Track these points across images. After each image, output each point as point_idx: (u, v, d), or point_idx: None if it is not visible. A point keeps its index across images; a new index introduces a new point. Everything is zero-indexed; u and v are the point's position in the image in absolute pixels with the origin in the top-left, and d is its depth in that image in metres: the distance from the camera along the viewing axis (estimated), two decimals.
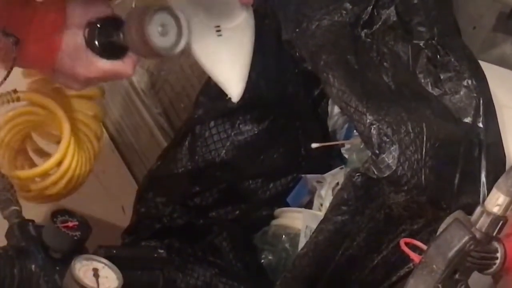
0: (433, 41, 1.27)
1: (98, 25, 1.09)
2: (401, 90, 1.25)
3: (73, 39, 1.08)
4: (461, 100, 1.24)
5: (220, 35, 1.17)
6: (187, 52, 1.20)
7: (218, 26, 1.17)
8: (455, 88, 1.25)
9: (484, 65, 1.31)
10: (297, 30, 1.29)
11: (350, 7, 1.29)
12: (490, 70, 1.31)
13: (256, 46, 1.22)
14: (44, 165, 1.39)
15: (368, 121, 1.18)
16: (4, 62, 0.67)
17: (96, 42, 1.09)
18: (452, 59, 1.26)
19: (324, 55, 1.25)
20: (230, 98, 1.19)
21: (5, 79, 0.68)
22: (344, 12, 1.29)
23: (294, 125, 1.48)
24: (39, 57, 1.06)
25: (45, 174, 1.39)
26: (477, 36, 1.55)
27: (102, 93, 1.46)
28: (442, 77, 1.26)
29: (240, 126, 1.44)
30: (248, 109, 1.43)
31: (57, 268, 1.14)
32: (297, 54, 1.32)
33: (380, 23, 1.30)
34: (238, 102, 1.18)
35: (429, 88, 1.26)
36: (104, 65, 1.10)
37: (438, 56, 1.27)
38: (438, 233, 0.99)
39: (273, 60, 1.42)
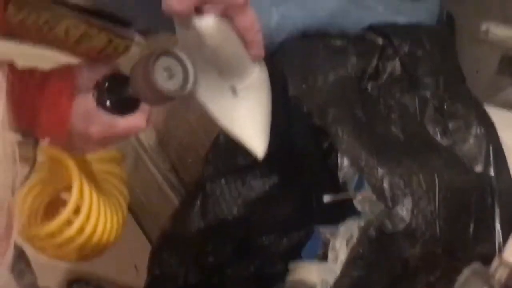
0: (439, 91, 1.28)
1: (106, 84, 1.11)
2: (410, 141, 1.26)
3: (84, 101, 1.09)
4: (470, 149, 1.24)
5: (236, 95, 1.18)
6: (194, 100, 1.21)
7: (233, 86, 1.18)
8: (464, 137, 1.25)
9: (489, 109, 1.32)
10: (304, 86, 1.30)
11: (355, 61, 1.31)
12: (496, 114, 1.32)
13: None
14: (60, 217, 1.38)
15: (379, 174, 1.18)
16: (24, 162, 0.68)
17: (107, 101, 1.10)
18: (459, 108, 1.27)
19: (332, 110, 1.25)
20: (242, 156, 1.20)
21: (27, 178, 0.69)
22: (350, 66, 1.30)
23: (304, 178, 1.48)
24: (52, 125, 1.08)
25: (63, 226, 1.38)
26: (481, 80, 1.56)
27: (123, 157, 1.47)
28: (450, 127, 1.26)
29: (251, 182, 1.44)
30: (258, 165, 1.43)
31: None
32: (305, 109, 1.33)
33: (385, 76, 1.31)
34: (248, 158, 1.19)
35: (438, 138, 1.26)
36: (118, 122, 1.11)
37: (445, 106, 1.28)
38: (456, 286, 0.99)
39: (282, 114, 1.42)
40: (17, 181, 0.66)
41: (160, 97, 1.08)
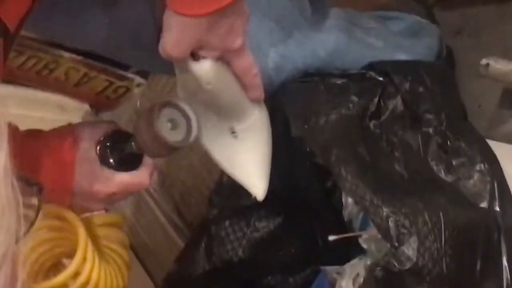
0: (442, 128, 1.28)
1: (108, 142, 1.12)
2: (414, 179, 1.25)
3: (86, 160, 1.10)
4: (475, 185, 1.24)
5: (236, 137, 1.18)
6: (197, 144, 1.21)
7: (232, 128, 1.18)
8: (468, 173, 1.25)
9: (492, 143, 1.32)
10: (306, 126, 1.30)
11: (357, 99, 1.31)
12: (499, 148, 1.32)
13: None
14: (58, 277, 1.38)
15: (384, 213, 1.18)
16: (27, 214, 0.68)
17: (110, 158, 1.11)
18: (462, 144, 1.27)
19: (335, 149, 1.25)
20: (250, 196, 1.20)
21: (31, 226, 0.68)
22: (351, 105, 1.30)
23: (309, 217, 1.47)
24: (56, 186, 1.08)
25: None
26: (483, 114, 1.56)
27: (124, 220, 1.48)
28: (454, 163, 1.26)
29: (256, 223, 1.44)
30: (262, 205, 1.42)
31: None
32: (308, 149, 1.33)
33: (387, 113, 1.31)
34: (252, 199, 1.19)
35: (442, 175, 1.26)
36: (122, 178, 1.12)
37: (448, 142, 1.27)
38: None
39: (284, 154, 1.42)
40: (21, 229, 0.66)
41: (165, 149, 1.08)
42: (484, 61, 1.43)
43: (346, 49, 1.42)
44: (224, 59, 1.07)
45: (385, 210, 1.18)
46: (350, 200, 1.47)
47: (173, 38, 1.02)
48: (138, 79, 1.95)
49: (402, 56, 1.47)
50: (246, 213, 1.46)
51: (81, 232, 1.36)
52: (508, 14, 1.59)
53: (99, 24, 1.26)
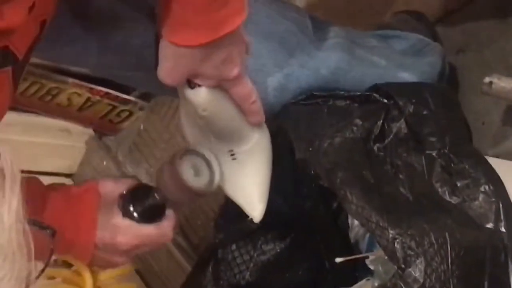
0: (445, 150, 1.28)
1: (131, 195, 1.14)
2: (419, 201, 1.25)
3: (109, 214, 1.12)
4: (480, 207, 1.24)
5: (235, 159, 1.19)
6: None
7: (232, 150, 1.19)
8: (473, 195, 1.25)
9: (496, 161, 1.32)
10: (310, 149, 1.30)
11: (360, 122, 1.31)
12: (503, 165, 1.32)
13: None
14: None
15: (390, 235, 1.18)
16: (40, 255, 0.68)
17: (133, 211, 1.13)
18: (466, 166, 1.26)
19: (339, 172, 1.25)
20: (251, 219, 1.21)
21: (42, 271, 0.69)
22: (355, 128, 1.31)
23: (315, 239, 1.48)
24: (79, 239, 1.10)
25: None
26: (487, 131, 1.57)
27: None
28: (458, 185, 1.26)
29: (262, 246, 1.44)
30: (268, 228, 1.43)
31: None
32: (312, 172, 1.33)
33: (391, 136, 1.31)
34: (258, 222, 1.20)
35: (447, 197, 1.26)
36: (145, 230, 1.13)
37: (452, 164, 1.27)
38: None
39: (289, 176, 1.42)
40: (32, 275, 0.66)
41: (190, 196, 1.10)
42: (487, 79, 1.43)
43: (348, 67, 1.43)
44: (221, 86, 1.08)
45: (391, 232, 1.18)
46: (356, 222, 1.48)
47: (168, 66, 1.03)
48: (140, 103, 1.95)
49: (405, 75, 1.47)
50: (252, 236, 1.46)
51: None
52: (511, 32, 1.59)
53: (103, 47, 1.27)
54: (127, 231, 1.11)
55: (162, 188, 1.11)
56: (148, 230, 1.13)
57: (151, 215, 1.14)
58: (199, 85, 1.06)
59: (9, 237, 0.63)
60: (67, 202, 1.11)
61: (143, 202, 1.13)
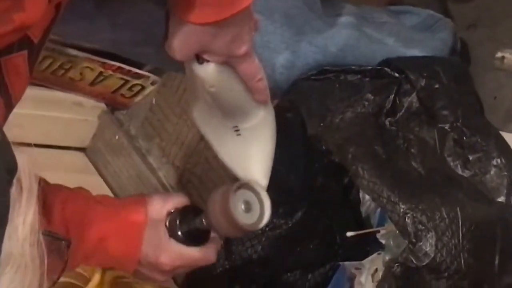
0: (458, 123, 1.28)
1: (178, 215, 1.15)
2: (431, 175, 1.26)
3: (156, 232, 1.12)
4: (492, 180, 1.24)
5: (239, 135, 1.19)
6: (210, 143, 1.23)
7: (236, 126, 1.19)
8: (484, 169, 1.25)
9: (508, 136, 1.32)
10: (322, 124, 1.31)
11: (372, 97, 1.31)
12: None
13: (282, 140, 1.24)
14: None
15: (401, 210, 1.18)
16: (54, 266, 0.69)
17: (179, 232, 1.14)
18: (479, 140, 1.27)
19: (351, 147, 1.26)
20: None
21: (54, 283, 0.69)
22: (366, 103, 1.31)
23: (326, 214, 1.48)
24: (123, 253, 1.12)
25: None
26: (499, 106, 1.56)
27: None
28: (470, 159, 1.26)
29: (274, 220, 1.44)
30: (280, 203, 1.43)
31: None
32: (324, 147, 1.34)
33: (403, 111, 1.31)
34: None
35: (459, 171, 1.26)
36: (189, 252, 1.14)
37: (465, 138, 1.27)
38: None
39: (301, 152, 1.42)
40: (43, 287, 0.67)
41: (236, 230, 1.12)
42: (499, 54, 1.43)
43: (357, 44, 1.42)
44: (228, 63, 1.08)
45: (402, 207, 1.18)
46: (367, 197, 1.48)
47: (178, 42, 1.03)
48: (152, 77, 1.95)
49: (415, 51, 1.46)
50: None
51: None
52: None
53: (113, 23, 1.27)
54: (171, 251, 1.12)
55: (210, 216, 1.12)
56: (192, 252, 1.14)
57: (196, 237, 1.15)
58: (208, 61, 1.07)
59: (22, 249, 0.63)
60: (116, 216, 1.12)
61: (190, 224, 1.14)
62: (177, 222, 1.14)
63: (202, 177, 1.85)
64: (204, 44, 1.03)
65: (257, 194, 1.14)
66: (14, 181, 0.64)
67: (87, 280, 1.37)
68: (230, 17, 0.99)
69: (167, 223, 1.14)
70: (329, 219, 1.48)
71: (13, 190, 0.63)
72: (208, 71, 1.08)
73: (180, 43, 1.03)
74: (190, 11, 0.99)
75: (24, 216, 0.63)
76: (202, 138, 1.60)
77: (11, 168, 0.64)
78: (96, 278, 1.35)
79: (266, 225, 1.38)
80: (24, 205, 0.64)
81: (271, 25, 1.34)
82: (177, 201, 1.16)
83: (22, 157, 0.65)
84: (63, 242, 0.71)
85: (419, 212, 1.18)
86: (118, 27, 1.28)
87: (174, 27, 1.03)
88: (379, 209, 1.47)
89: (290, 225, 1.46)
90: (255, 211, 1.13)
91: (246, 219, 1.11)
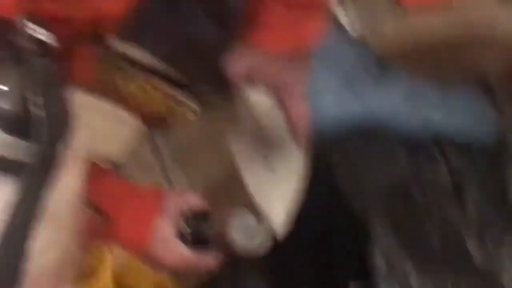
0: (484, 209, 1.28)
1: (190, 218, 1.15)
2: (447, 252, 1.26)
3: (166, 227, 1.12)
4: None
5: (273, 171, 1.20)
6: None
7: (271, 164, 1.20)
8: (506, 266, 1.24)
9: None
10: (351, 181, 1.31)
11: (405, 164, 1.31)
12: None
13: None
14: None
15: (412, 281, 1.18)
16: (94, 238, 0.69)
17: (188, 234, 1.14)
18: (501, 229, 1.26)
19: (375, 209, 1.26)
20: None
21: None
22: (399, 169, 1.31)
23: (336, 265, 1.47)
24: (132, 238, 1.11)
25: None
26: None
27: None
28: (489, 247, 1.25)
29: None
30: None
31: None
32: (349, 204, 1.34)
33: (433, 184, 1.31)
34: None
35: (477, 257, 1.25)
36: (193, 257, 1.14)
37: (487, 220, 1.27)
38: None
39: (323, 202, 1.42)
40: (74, 255, 0.68)
41: (232, 251, 1.12)
42: None
43: (403, 111, 1.43)
44: (280, 100, 1.10)
45: (414, 281, 1.18)
46: (380, 262, 1.47)
47: (241, 64, 1.06)
48: (193, 107, 1.97)
49: (456, 121, 1.47)
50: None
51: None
52: None
53: (160, 36, 1.28)
54: (176, 253, 1.13)
55: (214, 230, 1.14)
56: (196, 258, 1.15)
57: (202, 242, 1.16)
58: (259, 90, 1.09)
59: (66, 211, 0.65)
60: (132, 197, 1.12)
61: (199, 229, 1.15)
62: (188, 225, 1.14)
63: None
64: (264, 70, 1.06)
65: (259, 217, 1.15)
66: (68, 143, 0.64)
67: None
68: (298, 52, 1.01)
69: (178, 224, 1.14)
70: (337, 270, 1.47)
71: (66, 152, 0.64)
72: (259, 97, 1.10)
73: (243, 65, 1.06)
74: (261, 36, 1.02)
75: (72, 181, 0.65)
76: (231, 176, 1.60)
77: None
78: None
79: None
80: (72, 171, 0.65)
81: (327, 75, 1.36)
82: (192, 201, 1.16)
83: (84, 131, 0.67)
84: (103, 215, 0.72)
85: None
86: (164, 40, 1.28)
87: (240, 49, 1.05)
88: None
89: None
90: (256, 238, 1.14)
91: (248, 245, 1.13)
